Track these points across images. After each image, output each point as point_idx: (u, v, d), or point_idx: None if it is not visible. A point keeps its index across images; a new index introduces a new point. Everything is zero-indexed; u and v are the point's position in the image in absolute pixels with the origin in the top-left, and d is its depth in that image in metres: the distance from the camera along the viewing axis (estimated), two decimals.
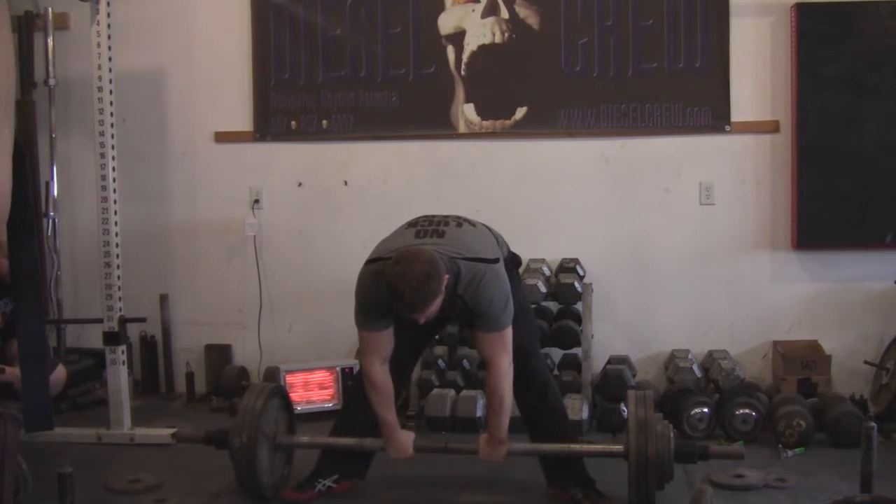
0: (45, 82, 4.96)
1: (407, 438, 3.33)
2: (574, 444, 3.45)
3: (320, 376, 4.62)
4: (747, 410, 4.09)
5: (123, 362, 4.22)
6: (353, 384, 3.63)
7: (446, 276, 3.00)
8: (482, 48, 4.78)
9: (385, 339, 3.22)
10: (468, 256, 3.11)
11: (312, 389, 4.59)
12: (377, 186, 4.94)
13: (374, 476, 3.57)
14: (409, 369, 3.70)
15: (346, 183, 4.97)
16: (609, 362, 4.59)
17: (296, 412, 4.44)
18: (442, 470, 3.72)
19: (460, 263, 3.07)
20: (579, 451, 3.40)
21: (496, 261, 3.19)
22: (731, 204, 4.74)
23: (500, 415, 3.21)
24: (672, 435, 3.19)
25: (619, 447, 3.24)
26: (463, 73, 4.80)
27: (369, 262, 3.21)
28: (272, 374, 4.59)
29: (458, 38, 4.80)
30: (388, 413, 3.29)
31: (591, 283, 4.66)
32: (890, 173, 4.50)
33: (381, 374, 3.23)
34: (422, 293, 2.93)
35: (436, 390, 4.41)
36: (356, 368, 4.40)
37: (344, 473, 3.50)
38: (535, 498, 3.47)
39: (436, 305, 3.00)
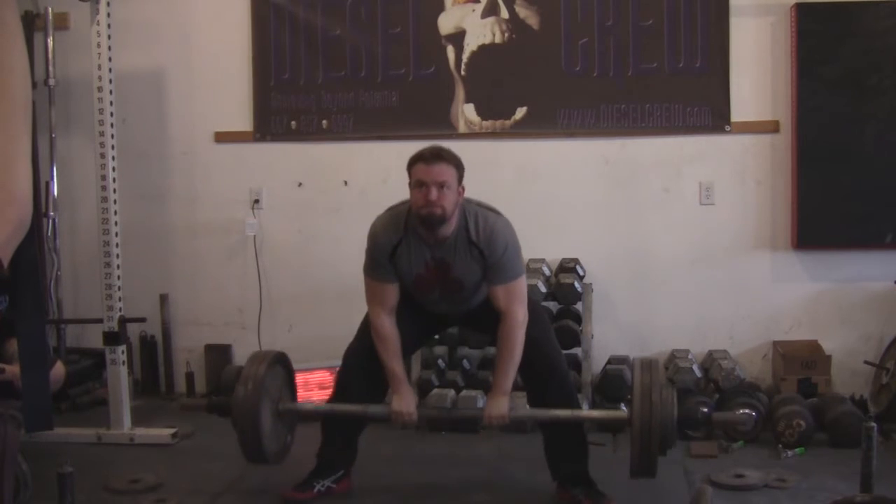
0: (45, 82, 4.95)
1: (412, 397, 3.35)
2: (579, 412, 3.44)
3: (320, 376, 4.61)
4: (747, 410, 4.09)
5: (123, 362, 4.22)
6: (337, 375, 3.62)
7: (463, 189, 3.20)
8: (482, 48, 4.78)
9: (390, 291, 3.29)
10: (477, 204, 3.29)
11: (312, 389, 4.59)
12: (377, 186, 4.93)
13: (373, 477, 3.57)
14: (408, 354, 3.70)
15: (346, 183, 4.97)
16: (609, 362, 4.59)
17: None
18: (442, 472, 3.72)
19: (470, 206, 3.24)
20: (583, 416, 3.40)
21: (501, 214, 3.33)
22: (731, 204, 4.74)
23: (508, 365, 3.24)
24: (676, 401, 3.17)
25: (623, 414, 3.23)
26: (463, 73, 4.80)
27: (385, 210, 3.41)
28: None
29: (458, 38, 4.80)
30: (396, 364, 3.31)
31: (591, 283, 4.66)
32: (890, 173, 4.50)
33: (387, 324, 3.29)
34: (443, 150, 3.17)
35: (436, 390, 4.40)
36: None
37: (343, 467, 3.47)
38: (536, 500, 3.46)
39: (451, 180, 3.13)
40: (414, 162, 3.17)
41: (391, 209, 3.36)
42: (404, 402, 3.30)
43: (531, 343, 3.26)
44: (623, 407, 4.21)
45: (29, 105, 1.37)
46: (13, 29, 1.34)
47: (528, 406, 3.49)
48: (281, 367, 3.50)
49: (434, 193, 3.09)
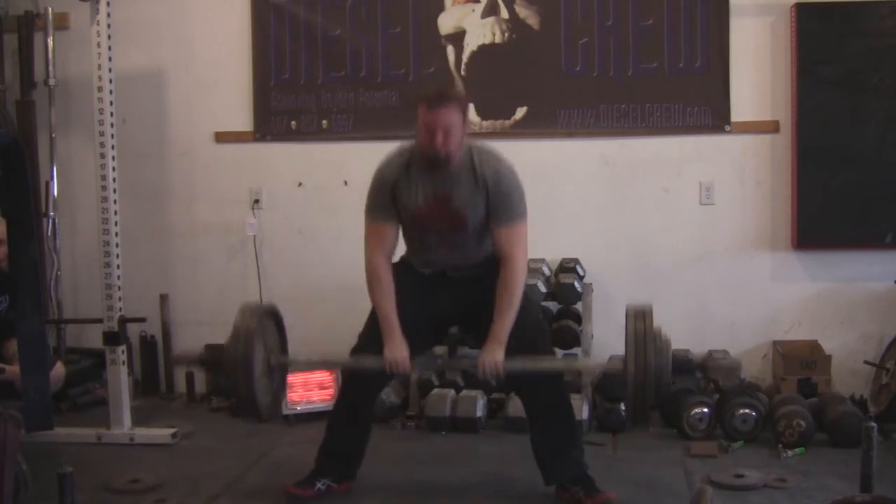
0: (45, 82, 4.96)
1: (405, 346, 3.25)
2: (572, 361, 3.42)
3: (320, 376, 4.61)
4: (747, 410, 4.08)
5: (123, 362, 4.22)
6: (341, 384, 3.67)
7: (469, 124, 3.24)
8: (482, 48, 4.78)
9: (389, 231, 3.28)
10: (483, 147, 3.29)
11: (312, 389, 4.59)
12: None
13: (373, 477, 3.57)
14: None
15: (346, 183, 4.97)
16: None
17: (296, 412, 4.46)
18: (442, 471, 3.72)
19: (475, 145, 3.25)
20: (577, 366, 3.36)
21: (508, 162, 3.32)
22: (731, 204, 4.74)
23: (507, 313, 3.19)
24: (670, 348, 3.10)
25: (617, 363, 3.17)
26: (463, 73, 4.80)
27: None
28: None
29: (458, 38, 4.80)
30: (390, 309, 3.25)
31: (591, 283, 4.66)
32: (890, 173, 4.50)
33: (383, 266, 3.26)
34: (450, 92, 3.17)
35: (436, 390, 4.41)
36: None
37: (339, 476, 3.47)
38: (536, 500, 3.45)
39: (457, 124, 3.10)
40: (419, 105, 3.15)
41: (400, 145, 3.34)
42: (397, 349, 3.22)
43: (526, 344, 3.25)
44: (623, 407, 4.22)
45: None
46: None
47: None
48: (271, 319, 3.44)
49: (440, 138, 3.08)
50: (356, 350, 3.42)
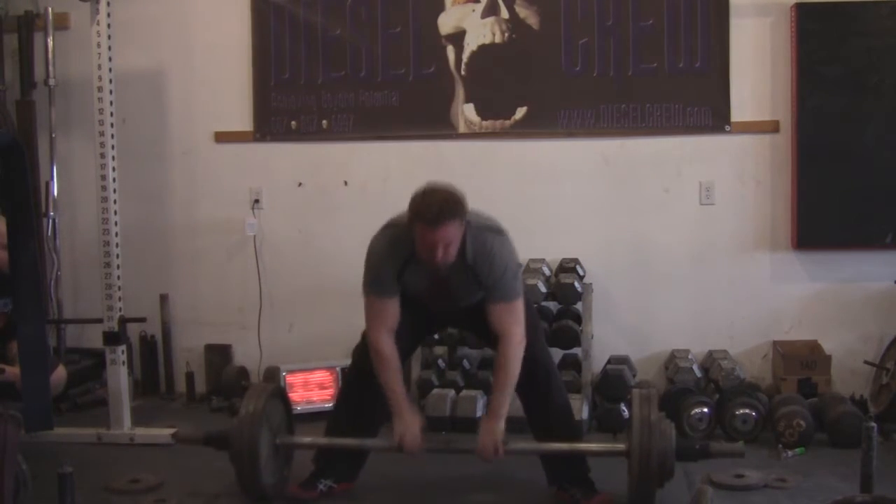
0: (45, 82, 4.96)
1: (417, 419, 3.29)
2: (577, 443, 3.46)
3: (320, 376, 4.62)
4: (747, 410, 4.09)
5: (123, 362, 4.21)
6: (342, 385, 3.68)
7: (466, 220, 3.07)
8: (482, 48, 4.78)
9: (392, 308, 3.21)
10: (477, 223, 3.15)
11: (312, 389, 4.60)
12: (377, 186, 4.94)
13: (374, 476, 3.57)
14: (407, 355, 3.62)
15: (346, 183, 4.98)
16: (609, 362, 4.59)
17: (296, 412, 4.46)
18: (442, 470, 3.72)
19: (471, 228, 3.11)
20: (581, 450, 3.40)
21: (503, 233, 3.22)
22: (731, 204, 4.74)
23: (505, 388, 3.20)
24: (674, 434, 3.19)
25: (621, 446, 3.25)
26: (463, 73, 4.80)
27: (384, 227, 3.25)
28: (272, 374, 4.59)
29: (458, 38, 4.80)
30: (398, 385, 3.24)
31: (591, 283, 4.66)
32: (890, 173, 4.50)
33: (388, 344, 3.20)
34: (449, 206, 2.98)
35: (436, 390, 4.40)
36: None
37: (339, 477, 3.49)
38: (536, 498, 3.47)
39: (457, 236, 3.02)
40: (416, 219, 3.01)
41: (389, 228, 3.22)
42: (409, 426, 3.23)
43: (530, 360, 3.25)
44: (623, 407, 4.22)
45: None
46: None
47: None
48: (278, 400, 3.50)
49: (440, 254, 3.02)
50: (337, 411, 3.54)
